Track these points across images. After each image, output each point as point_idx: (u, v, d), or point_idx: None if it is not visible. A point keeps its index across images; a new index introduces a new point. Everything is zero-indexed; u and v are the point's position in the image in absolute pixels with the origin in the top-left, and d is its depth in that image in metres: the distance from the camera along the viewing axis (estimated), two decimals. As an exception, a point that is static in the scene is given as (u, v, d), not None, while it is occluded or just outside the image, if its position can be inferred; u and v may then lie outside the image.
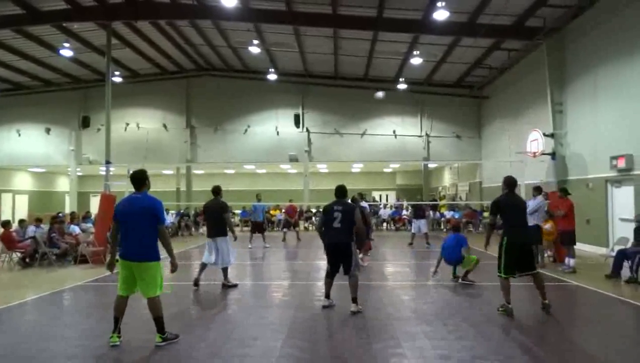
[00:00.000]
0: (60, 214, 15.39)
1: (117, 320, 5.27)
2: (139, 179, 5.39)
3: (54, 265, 11.54)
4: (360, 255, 10.99)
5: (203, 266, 8.61)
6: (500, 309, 6.60)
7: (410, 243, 15.38)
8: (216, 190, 8.81)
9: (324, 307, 6.91)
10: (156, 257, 5.24)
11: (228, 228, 8.60)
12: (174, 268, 5.38)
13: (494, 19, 15.08)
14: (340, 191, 7.11)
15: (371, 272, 10.46)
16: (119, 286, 5.32)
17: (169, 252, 5.35)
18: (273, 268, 11.54)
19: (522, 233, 6.67)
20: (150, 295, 5.21)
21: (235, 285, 8.62)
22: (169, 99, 25.22)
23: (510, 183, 6.84)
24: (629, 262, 8.99)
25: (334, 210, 6.84)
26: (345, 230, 6.76)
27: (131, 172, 5.51)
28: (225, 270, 8.62)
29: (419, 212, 15.58)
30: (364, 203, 11.69)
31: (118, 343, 5.22)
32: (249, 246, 15.35)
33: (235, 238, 8.79)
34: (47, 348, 5.25)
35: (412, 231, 15.66)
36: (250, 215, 18.39)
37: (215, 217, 8.56)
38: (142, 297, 5.38)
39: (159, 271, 5.28)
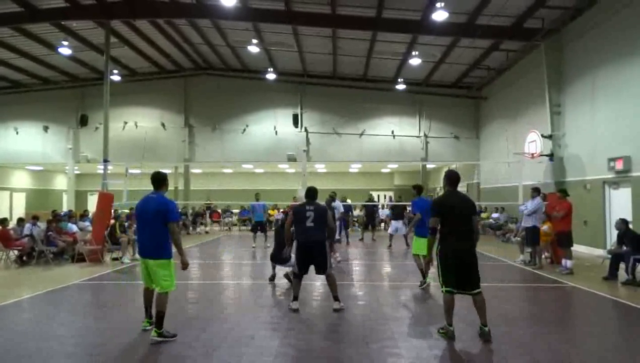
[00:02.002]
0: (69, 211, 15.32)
1: (146, 308, 5.71)
2: (157, 179, 5.68)
3: (51, 263, 11.52)
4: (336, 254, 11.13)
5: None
6: (441, 331, 5.56)
7: (389, 246, 15.22)
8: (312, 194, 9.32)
9: (295, 310, 6.74)
10: (167, 255, 5.46)
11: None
12: (184, 266, 5.57)
13: (493, 20, 15.11)
14: (311, 193, 7.14)
15: (368, 272, 10.46)
16: (142, 279, 5.73)
17: (179, 249, 5.52)
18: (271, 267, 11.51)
19: (460, 241, 5.41)
20: (161, 290, 5.42)
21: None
22: (167, 97, 25.13)
23: (451, 179, 5.66)
24: (624, 263, 9.03)
25: (306, 210, 6.91)
26: (319, 229, 6.82)
27: (152, 172, 5.78)
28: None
29: (397, 213, 15.75)
30: (337, 203, 11.86)
31: (148, 327, 5.59)
32: (253, 245, 15.36)
33: None
34: (44, 347, 5.24)
35: (389, 232, 15.62)
36: (250, 214, 18.48)
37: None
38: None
39: (171, 269, 5.48)
